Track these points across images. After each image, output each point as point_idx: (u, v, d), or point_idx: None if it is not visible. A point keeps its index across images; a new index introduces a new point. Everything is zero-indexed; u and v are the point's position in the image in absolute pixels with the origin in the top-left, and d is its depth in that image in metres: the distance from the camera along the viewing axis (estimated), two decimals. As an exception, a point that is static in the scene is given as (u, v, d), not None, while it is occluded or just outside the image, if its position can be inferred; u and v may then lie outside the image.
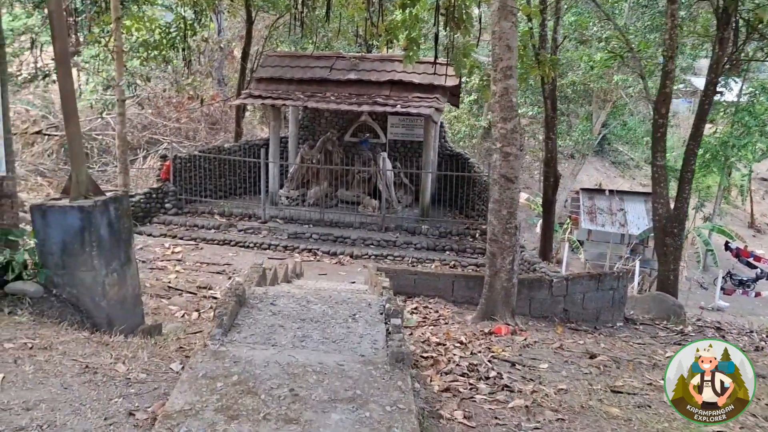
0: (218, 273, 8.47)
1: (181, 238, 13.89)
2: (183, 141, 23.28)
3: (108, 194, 5.39)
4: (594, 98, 38.55)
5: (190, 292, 7.26)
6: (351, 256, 13.48)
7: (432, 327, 8.06)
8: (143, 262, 8.53)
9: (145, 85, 17.26)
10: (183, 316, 6.43)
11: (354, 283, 10.16)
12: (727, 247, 32.50)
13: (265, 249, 13.70)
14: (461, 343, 6.95)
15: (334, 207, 15.76)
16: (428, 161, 14.85)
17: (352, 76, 15.00)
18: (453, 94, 15.67)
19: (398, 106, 13.76)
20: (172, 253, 9.21)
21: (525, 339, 7.25)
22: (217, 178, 16.11)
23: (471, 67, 11.42)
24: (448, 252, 13.75)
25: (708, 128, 43.84)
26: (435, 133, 15.01)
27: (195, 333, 5.97)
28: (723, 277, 30.85)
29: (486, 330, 7.72)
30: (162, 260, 8.75)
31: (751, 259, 33.38)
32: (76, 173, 5.25)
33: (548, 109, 16.03)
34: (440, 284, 9.34)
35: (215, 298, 7.26)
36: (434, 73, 14.56)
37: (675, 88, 40.32)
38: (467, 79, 24.27)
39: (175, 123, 22.71)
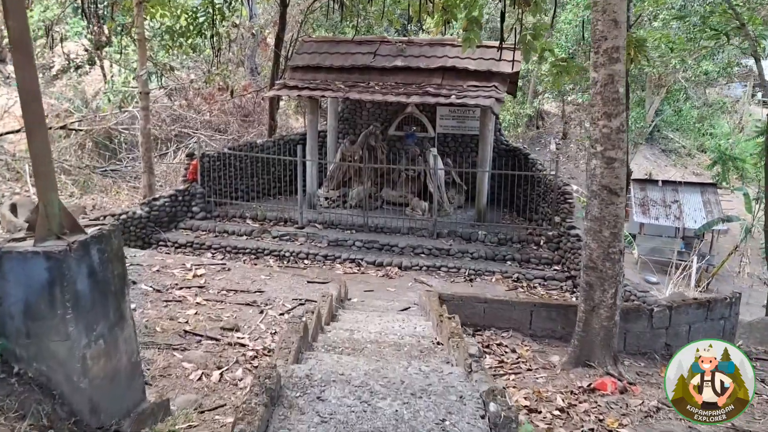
0: (248, 305, 6.96)
1: (209, 247, 12.50)
2: (214, 134, 21.93)
3: (91, 231, 3.87)
4: (648, 83, 36.30)
5: (212, 338, 5.76)
6: (399, 268, 11.89)
7: (512, 375, 6.45)
8: (158, 291, 7.06)
9: (169, 76, 15.86)
10: (200, 378, 4.92)
11: (408, 309, 8.57)
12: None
13: (303, 258, 12.22)
14: (560, 410, 5.32)
15: (379, 209, 14.17)
16: (485, 158, 13.13)
17: (399, 62, 13.35)
18: (512, 82, 13.91)
19: (452, 96, 12.07)
20: (194, 276, 7.74)
21: (642, 402, 5.58)
22: (249, 178, 14.65)
23: (542, 50, 9.67)
24: (509, 262, 12.06)
25: (771, 112, 41.04)
26: (492, 126, 13.30)
27: (215, 409, 4.46)
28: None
29: (585, 384, 6.07)
30: (181, 287, 7.28)
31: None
32: (43, 203, 3.74)
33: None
34: (515, 314, 7.69)
35: (242, 345, 5.74)
36: (492, 59, 12.82)
37: (730, 71, 37.69)
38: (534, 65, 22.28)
39: (206, 116, 21.33)
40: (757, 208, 32.04)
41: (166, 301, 6.78)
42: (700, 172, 43.18)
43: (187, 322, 6.15)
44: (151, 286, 7.20)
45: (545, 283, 11.37)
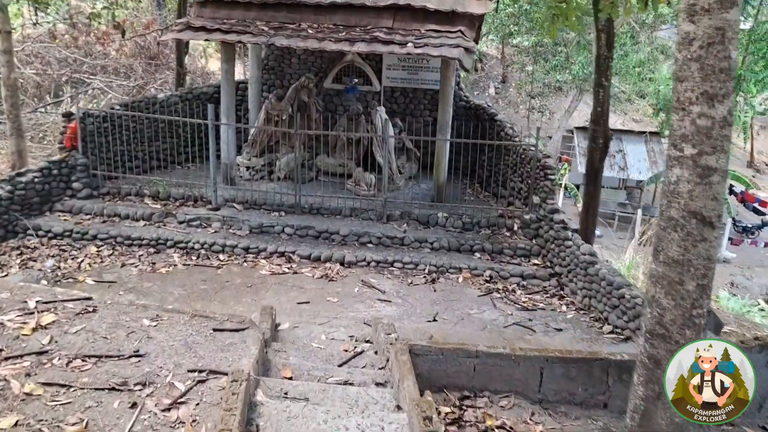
0: (114, 389, 4.33)
1: (94, 237, 9.63)
2: (114, 81, 18.42)
3: None
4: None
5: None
6: (342, 264, 9.38)
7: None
8: (-40, 372, 4.31)
9: (47, 10, 12.38)
10: None
11: (361, 353, 6.11)
12: (731, 191, 29.44)
13: (217, 252, 9.52)
14: None
15: (314, 181, 11.52)
16: (445, 122, 10.57)
17: (338, -2, 10.47)
18: (477, 26, 11.26)
19: (409, 44, 9.37)
20: (36, 329, 4.99)
21: None
22: (149, 142, 11.65)
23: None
24: (478, 254, 9.73)
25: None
26: (454, 83, 10.71)
27: None
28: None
29: None
30: (8, 357, 4.57)
31: (756, 204, 30.48)
32: None
33: (602, 47, 11.81)
34: (519, 372, 5.35)
35: None
36: (457, -5, 10.17)
37: (666, 13, 36.20)
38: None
39: (104, 59, 17.76)
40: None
41: (-31, 396, 4.06)
42: (639, 119, 42.09)
43: (-11, 455, 3.49)
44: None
45: (525, 283, 9.11)
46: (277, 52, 12.89)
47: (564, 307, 8.55)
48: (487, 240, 9.89)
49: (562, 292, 8.94)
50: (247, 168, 11.67)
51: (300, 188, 10.50)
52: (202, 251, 9.54)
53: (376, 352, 6.22)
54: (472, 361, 5.31)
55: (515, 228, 10.15)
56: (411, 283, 8.99)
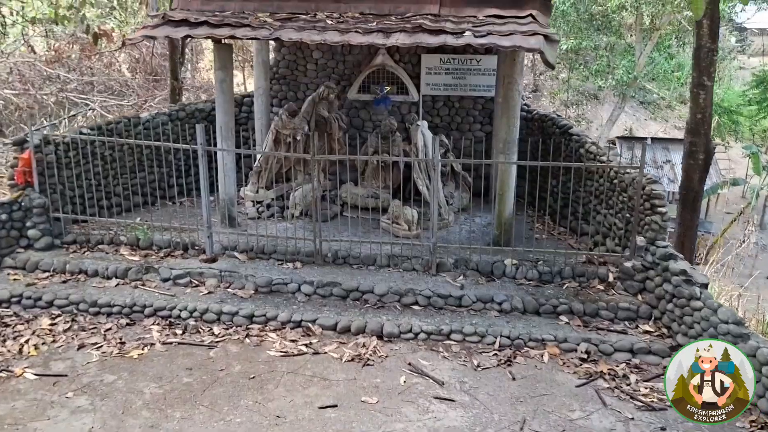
0: None
1: (49, 304, 7.22)
2: (110, 98, 16.15)
3: None
4: (636, 27, 31.85)
5: None
6: (380, 337, 6.80)
7: None
8: None
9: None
10: None
11: None
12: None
13: (211, 322, 7.02)
14: None
15: (338, 218, 9.02)
16: (512, 138, 7.95)
17: (365, -21, 7.98)
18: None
19: (467, 33, 6.80)
20: None
21: None
22: (130, 174, 9.25)
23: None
24: (565, 317, 7.08)
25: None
26: (521, 87, 8.12)
27: None
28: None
29: None
30: None
31: (817, 218, 27.57)
32: None
33: (703, 36, 9.23)
34: None
35: None
36: (523, -31, 7.62)
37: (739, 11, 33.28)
38: None
39: (90, 75, 15.49)
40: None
41: None
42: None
43: None
44: None
45: (637, 362, 6.46)
46: (288, 56, 10.44)
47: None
48: (575, 297, 7.27)
49: (694, 377, 6.27)
50: (254, 203, 9.21)
51: (320, 229, 7.98)
52: (191, 321, 7.04)
53: None
54: None
55: (611, 279, 7.51)
56: (478, 365, 6.38)
